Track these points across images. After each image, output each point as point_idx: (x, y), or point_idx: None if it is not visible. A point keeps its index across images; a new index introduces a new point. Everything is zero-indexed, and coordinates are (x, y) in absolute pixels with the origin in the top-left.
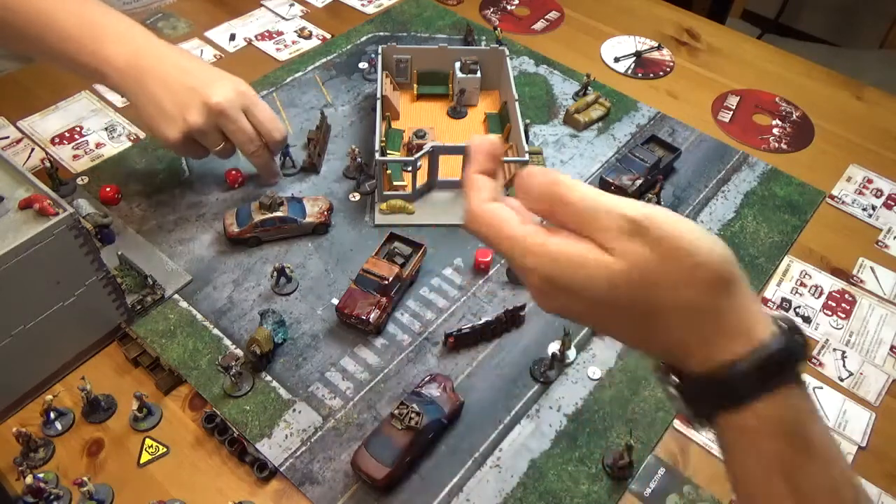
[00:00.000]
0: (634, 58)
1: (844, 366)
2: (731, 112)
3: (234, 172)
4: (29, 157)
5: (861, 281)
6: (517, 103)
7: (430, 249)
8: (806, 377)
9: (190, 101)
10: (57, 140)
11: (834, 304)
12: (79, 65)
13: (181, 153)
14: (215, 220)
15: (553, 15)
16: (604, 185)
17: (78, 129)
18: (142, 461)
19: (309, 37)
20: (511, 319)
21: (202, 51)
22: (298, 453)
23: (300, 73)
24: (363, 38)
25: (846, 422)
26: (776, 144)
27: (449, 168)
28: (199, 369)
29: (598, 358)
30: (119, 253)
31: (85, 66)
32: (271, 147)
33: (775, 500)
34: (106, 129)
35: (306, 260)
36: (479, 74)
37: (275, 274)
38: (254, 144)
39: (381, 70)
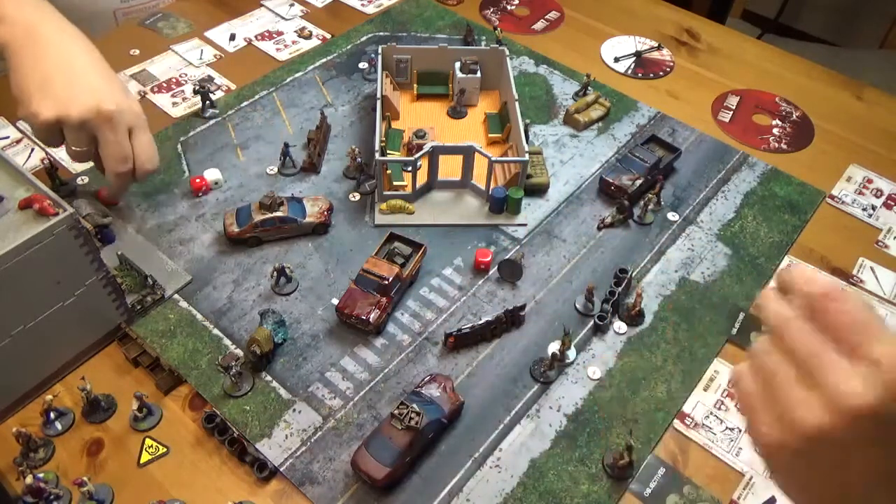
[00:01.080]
0: (634, 58)
1: None
2: (731, 112)
3: None
4: (29, 157)
5: (861, 281)
6: (517, 103)
7: (430, 249)
8: None
9: (81, 96)
10: None
11: None
12: None
13: (38, 134)
14: (215, 220)
15: (553, 15)
16: (604, 184)
17: None
18: (142, 461)
19: (309, 37)
20: (511, 319)
21: (202, 51)
22: (298, 453)
23: (300, 73)
24: (363, 38)
25: None
26: (776, 144)
27: (449, 168)
28: (199, 369)
29: (598, 358)
30: (119, 253)
31: None
32: (138, 175)
33: None
34: None
35: (306, 260)
36: (479, 74)
37: (275, 274)
38: (124, 166)
39: (381, 70)
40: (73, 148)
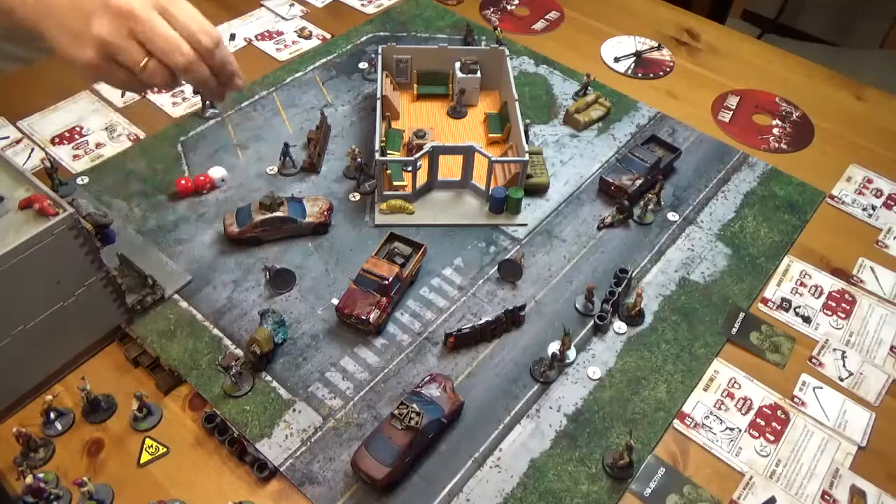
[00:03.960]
0: (634, 58)
1: (844, 366)
2: (731, 112)
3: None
4: (29, 157)
5: (861, 281)
6: (517, 103)
7: (430, 249)
8: (806, 377)
9: (91, 8)
10: (57, 140)
11: (834, 304)
12: None
13: (110, 82)
14: (215, 220)
15: (553, 15)
16: (604, 184)
17: (78, 128)
18: (142, 461)
19: (309, 37)
20: (511, 319)
21: None
22: (298, 453)
23: (300, 73)
24: (363, 38)
25: (846, 422)
26: (776, 144)
27: (449, 168)
28: (199, 369)
29: (598, 358)
30: (119, 253)
31: None
32: (204, 57)
33: None
34: (106, 128)
35: (306, 260)
36: (479, 74)
37: (267, 275)
38: (182, 54)
39: (381, 70)
40: (139, 67)
